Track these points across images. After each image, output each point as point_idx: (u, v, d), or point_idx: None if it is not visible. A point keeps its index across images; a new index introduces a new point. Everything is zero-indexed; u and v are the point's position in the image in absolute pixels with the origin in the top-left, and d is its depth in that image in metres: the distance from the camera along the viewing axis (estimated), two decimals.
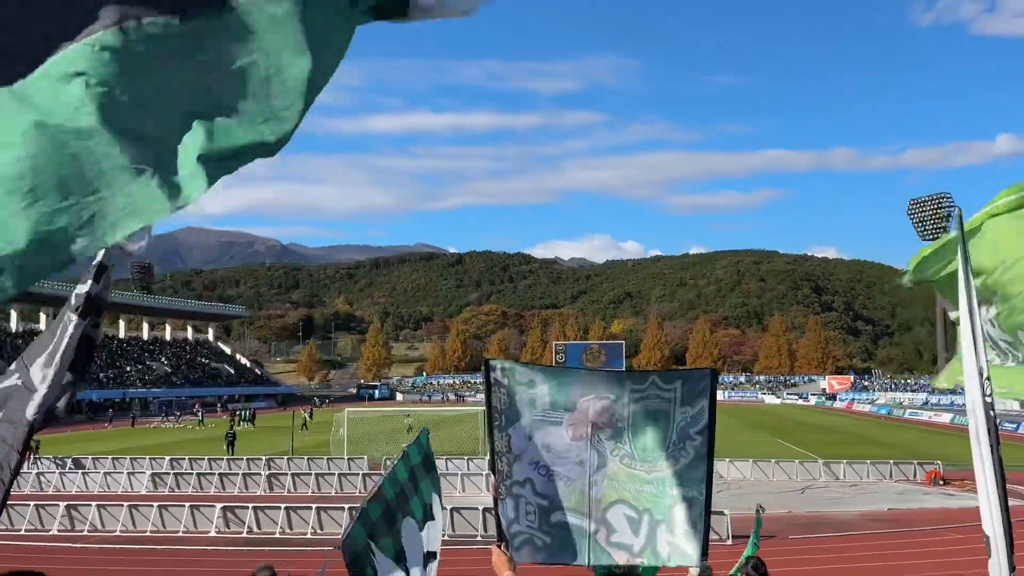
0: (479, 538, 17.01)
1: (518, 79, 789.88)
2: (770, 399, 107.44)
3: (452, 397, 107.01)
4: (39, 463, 30.04)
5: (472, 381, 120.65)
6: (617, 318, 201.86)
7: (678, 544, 4.28)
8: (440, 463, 28.24)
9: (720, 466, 26.31)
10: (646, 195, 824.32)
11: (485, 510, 17.69)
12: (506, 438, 4.25)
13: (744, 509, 17.60)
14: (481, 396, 4.36)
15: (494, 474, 4.24)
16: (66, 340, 2.60)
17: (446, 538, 17.55)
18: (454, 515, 18.15)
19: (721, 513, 17.51)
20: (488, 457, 4.41)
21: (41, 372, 2.58)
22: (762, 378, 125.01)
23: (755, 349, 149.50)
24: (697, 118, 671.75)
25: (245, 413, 64.00)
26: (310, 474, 26.44)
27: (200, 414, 66.97)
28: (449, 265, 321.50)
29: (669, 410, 4.31)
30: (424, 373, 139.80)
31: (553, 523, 4.29)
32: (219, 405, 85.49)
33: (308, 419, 46.48)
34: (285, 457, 31.35)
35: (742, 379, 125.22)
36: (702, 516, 4.31)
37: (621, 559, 4.28)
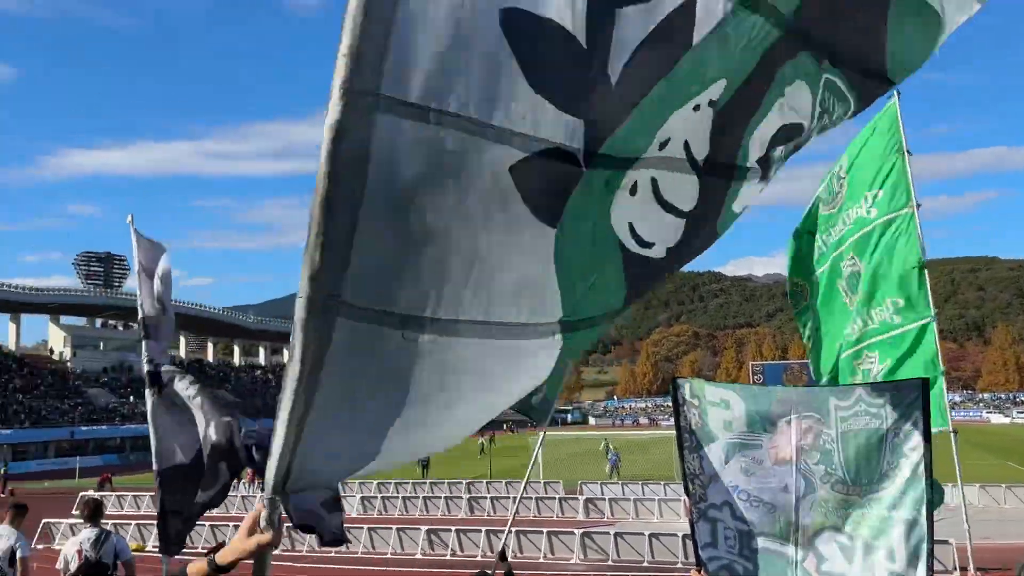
0: (679, 564, 16.64)
1: None
2: (997, 418, 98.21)
3: (644, 421, 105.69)
4: (251, 488, 32.44)
5: (664, 404, 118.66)
6: None
7: (899, 573, 3.98)
8: (636, 488, 27.99)
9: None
10: None
11: (684, 536, 17.29)
12: (698, 459, 4.14)
13: (978, 538, 16.14)
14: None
15: (688, 496, 4.15)
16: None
17: (645, 564, 17.37)
18: (652, 541, 17.86)
19: (946, 542, 16.13)
20: (682, 480, 4.32)
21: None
22: (986, 395, 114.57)
23: (976, 364, 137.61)
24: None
25: None
26: (508, 497, 26.92)
27: None
28: None
29: (880, 427, 3.98)
30: (615, 397, 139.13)
31: (755, 549, 4.12)
32: None
33: (488, 444, 47.89)
34: (484, 480, 32.12)
35: (961, 397, 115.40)
36: (924, 540, 3.94)
37: None
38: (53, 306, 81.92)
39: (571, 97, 1.96)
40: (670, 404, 4.49)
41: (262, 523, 2.08)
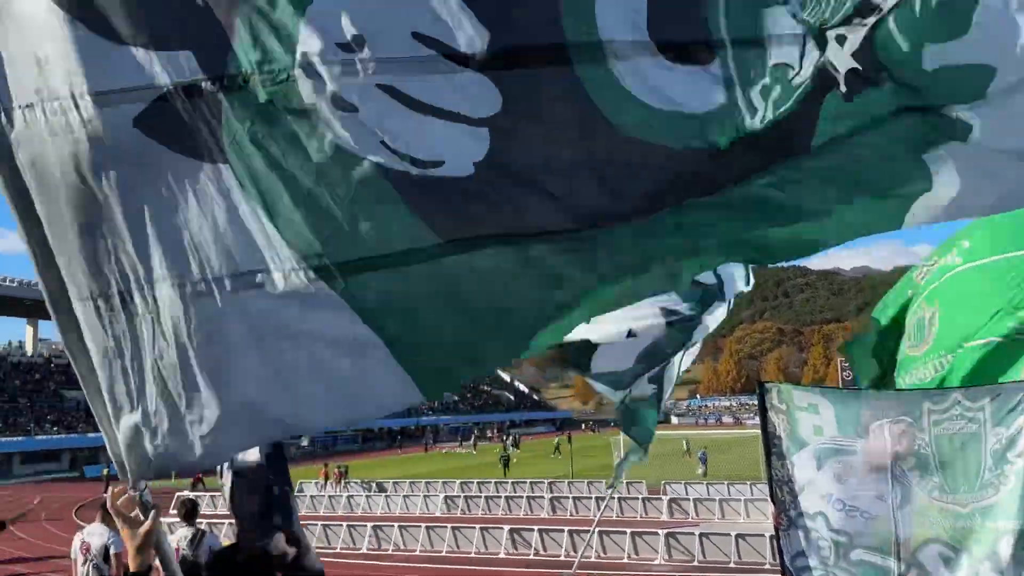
0: (767, 566, 16.29)
1: None
2: None
3: (729, 420, 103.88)
4: (349, 487, 33.12)
5: (749, 403, 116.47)
6: None
7: None
8: (721, 488, 27.52)
9: None
10: None
11: (772, 537, 16.93)
12: (788, 466, 4.02)
13: None
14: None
15: (774, 503, 4.04)
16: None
17: (731, 565, 17.06)
18: (739, 542, 17.54)
19: None
20: (768, 486, 4.20)
21: None
22: None
23: None
24: None
25: (513, 438, 67.08)
26: (590, 497, 26.82)
27: (473, 440, 71.01)
28: None
29: (978, 431, 3.77)
30: (698, 395, 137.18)
31: (853, 561, 3.93)
32: (492, 432, 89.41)
33: (567, 442, 48.20)
34: (566, 480, 32.07)
35: None
36: None
37: None
38: None
39: (163, 33, 1.90)
40: (754, 402, 4.38)
41: (139, 510, 2.11)
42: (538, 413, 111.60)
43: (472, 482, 32.52)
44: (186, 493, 24.25)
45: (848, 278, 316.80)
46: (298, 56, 1.86)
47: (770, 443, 4.05)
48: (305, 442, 63.84)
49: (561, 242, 1.98)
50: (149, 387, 1.99)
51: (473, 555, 19.81)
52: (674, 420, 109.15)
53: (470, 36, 1.85)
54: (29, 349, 79.28)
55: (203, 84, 1.87)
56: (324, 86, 1.87)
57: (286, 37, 1.86)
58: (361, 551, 20.62)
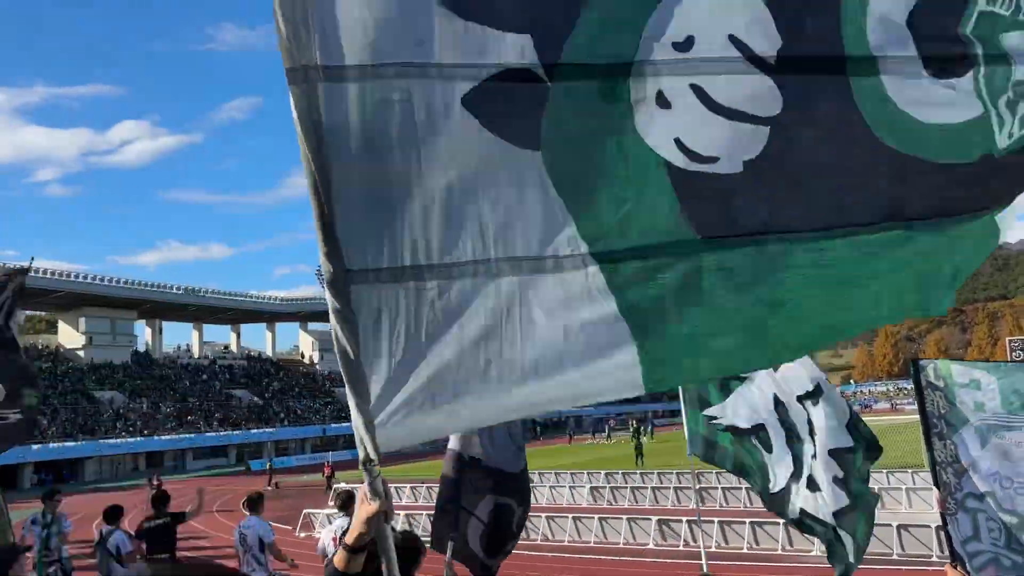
0: (934, 558, 15.41)
1: None
2: None
3: (884, 405, 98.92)
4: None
5: (906, 388, 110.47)
6: None
7: None
8: (879, 477, 26.23)
9: None
10: None
11: (937, 528, 15.99)
12: (951, 447, 3.79)
13: None
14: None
15: (938, 488, 3.81)
16: None
17: (895, 557, 16.22)
18: (901, 532, 16.68)
19: None
20: (930, 470, 3.97)
21: None
22: None
23: None
24: None
25: (646, 427, 66.36)
26: (740, 488, 26.16)
27: (606, 431, 70.71)
28: None
29: None
30: (852, 381, 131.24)
31: None
32: (629, 422, 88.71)
33: None
34: (714, 471, 31.43)
35: None
36: None
37: None
38: (302, 314, 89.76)
39: (508, 14, 1.89)
40: (911, 387, 4.15)
41: (368, 493, 2.16)
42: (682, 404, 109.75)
43: (617, 473, 32.38)
44: (343, 486, 25.34)
45: (1015, 252, 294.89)
46: (640, 50, 1.93)
47: (930, 424, 3.83)
48: None
49: (806, 243, 2.02)
50: (423, 363, 2.01)
51: (621, 545, 19.73)
52: None
53: (769, 40, 1.94)
54: (196, 351, 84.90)
55: (537, 70, 1.91)
56: (656, 82, 1.95)
57: (633, 30, 1.93)
58: None
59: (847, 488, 5.83)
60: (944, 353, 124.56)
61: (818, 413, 6.30)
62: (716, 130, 1.97)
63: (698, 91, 1.95)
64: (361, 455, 2.08)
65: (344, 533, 9.24)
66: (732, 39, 1.94)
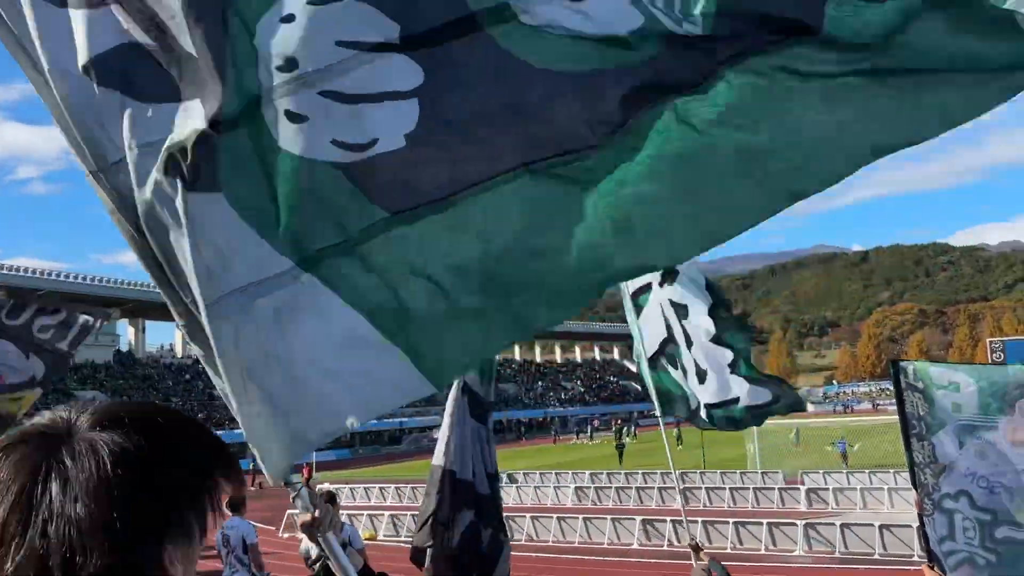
0: (915, 557, 15.55)
1: None
2: None
3: (866, 406, 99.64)
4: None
5: (890, 389, 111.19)
6: None
7: None
8: (862, 477, 26.45)
9: None
10: None
11: (918, 528, 16.14)
12: (928, 447, 3.83)
13: None
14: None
15: (916, 488, 3.86)
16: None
17: (876, 556, 16.37)
18: (883, 532, 16.82)
19: None
20: (909, 470, 4.01)
21: None
22: None
23: None
24: None
25: (629, 428, 66.77)
26: (724, 488, 26.31)
27: (589, 431, 70.78)
28: (852, 265, 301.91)
29: None
30: (835, 382, 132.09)
31: (999, 539, 3.77)
32: (612, 422, 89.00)
33: (687, 433, 47.76)
34: (698, 471, 31.57)
35: None
36: None
37: None
38: None
39: (178, 91, 2.13)
40: (892, 388, 4.19)
41: (298, 509, 2.30)
42: None
43: (602, 473, 32.47)
44: (325, 486, 25.31)
45: (995, 253, 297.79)
46: (260, 84, 2.11)
47: (909, 425, 3.87)
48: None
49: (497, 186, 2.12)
50: (258, 393, 2.22)
51: (606, 546, 19.80)
52: (810, 408, 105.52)
53: (382, 31, 2.05)
54: (179, 351, 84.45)
55: (208, 131, 2.09)
56: (282, 103, 2.11)
57: (250, 71, 2.12)
58: None
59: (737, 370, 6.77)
60: (925, 354, 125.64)
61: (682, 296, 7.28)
62: (365, 118, 2.08)
63: (330, 94, 2.08)
64: (278, 473, 2.24)
65: None
66: (340, 43, 2.06)
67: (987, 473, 3.76)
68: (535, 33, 2.02)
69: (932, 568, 3.71)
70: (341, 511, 11.58)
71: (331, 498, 9.48)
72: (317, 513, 2.25)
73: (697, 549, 7.82)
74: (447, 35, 2.04)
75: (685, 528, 9.39)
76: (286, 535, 22.93)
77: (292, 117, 2.10)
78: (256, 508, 27.77)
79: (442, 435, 5.64)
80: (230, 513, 9.89)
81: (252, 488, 37.81)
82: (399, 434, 72.95)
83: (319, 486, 29.89)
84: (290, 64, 2.08)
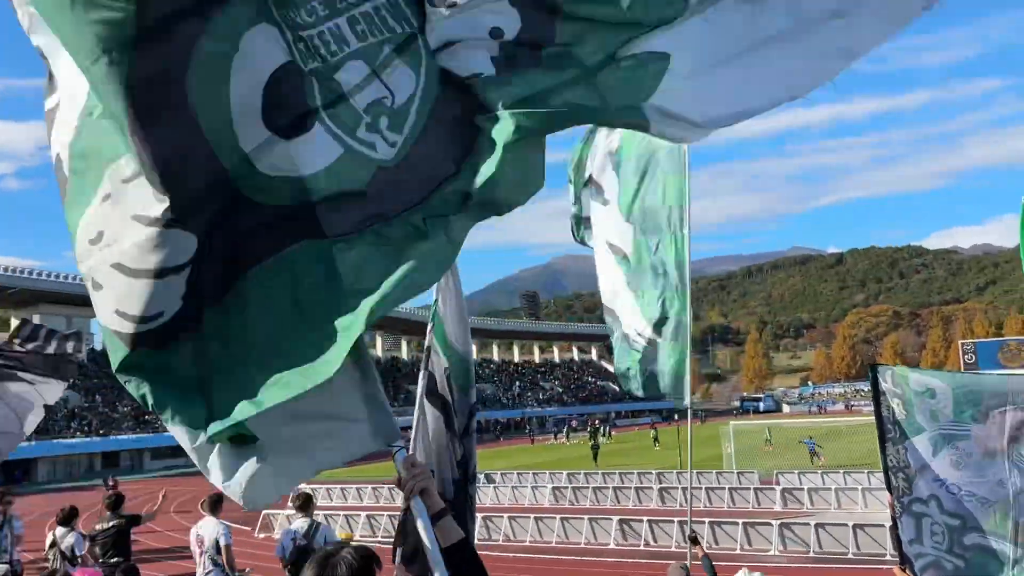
0: (887, 556, 15.71)
1: (902, 58, 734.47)
2: None
3: (841, 407, 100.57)
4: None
5: (864, 390, 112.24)
6: None
7: None
8: (837, 477, 26.69)
9: None
10: None
11: (891, 528, 16.29)
12: (902, 452, 3.87)
13: None
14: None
15: (889, 491, 3.90)
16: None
17: (850, 556, 16.51)
18: (857, 532, 16.98)
19: None
20: (883, 474, 4.05)
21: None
22: None
23: None
24: None
25: (605, 429, 67.70)
26: (700, 488, 26.44)
27: (565, 431, 70.98)
28: (828, 267, 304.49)
29: None
30: (810, 383, 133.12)
31: (967, 545, 3.81)
32: (589, 423, 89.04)
33: (663, 433, 48.12)
34: (675, 471, 31.72)
35: None
36: None
37: None
38: None
39: None
40: (868, 389, 4.22)
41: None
42: (645, 404, 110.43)
43: (579, 473, 32.53)
44: (301, 487, 25.20)
45: (967, 256, 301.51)
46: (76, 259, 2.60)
47: (884, 429, 3.91)
48: None
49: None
50: None
51: (583, 545, 19.84)
52: (785, 408, 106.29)
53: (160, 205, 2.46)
54: None
55: None
56: (90, 271, 2.54)
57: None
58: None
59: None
60: (900, 356, 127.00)
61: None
62: (150, 253, 2.39)
63: (119, 267, 2.43)
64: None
65: (307, 532, 9.11)
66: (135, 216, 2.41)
67: (959, 481, 3.79)
68: (256, 174, 2.45)
69: (904, 570, 3.75)
70: (317, 512, 11.51)
71: (307, 499, 9.42)
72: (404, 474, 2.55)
73: (695, 541, 7.95)
74: (210, 201, 2.41)
75: (689, 526, 9.42)
76: (262, 535, 22.78)
77: (95, 285, 2.48)
78: (233, 508, 27.55)
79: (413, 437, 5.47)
80: (206, 513, 9.81)
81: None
82: None
83: (295, 487, 29.77)
84: (99, 236, 2.46)
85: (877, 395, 3.96)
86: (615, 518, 20.52)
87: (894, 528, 3.90)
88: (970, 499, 3.79)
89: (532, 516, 21.54)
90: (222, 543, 9.42)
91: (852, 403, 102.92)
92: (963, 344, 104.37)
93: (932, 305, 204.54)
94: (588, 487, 28.37)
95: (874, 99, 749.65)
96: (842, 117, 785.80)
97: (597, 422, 59.95)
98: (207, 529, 9.55)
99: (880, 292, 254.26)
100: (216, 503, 9.73)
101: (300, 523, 9.19)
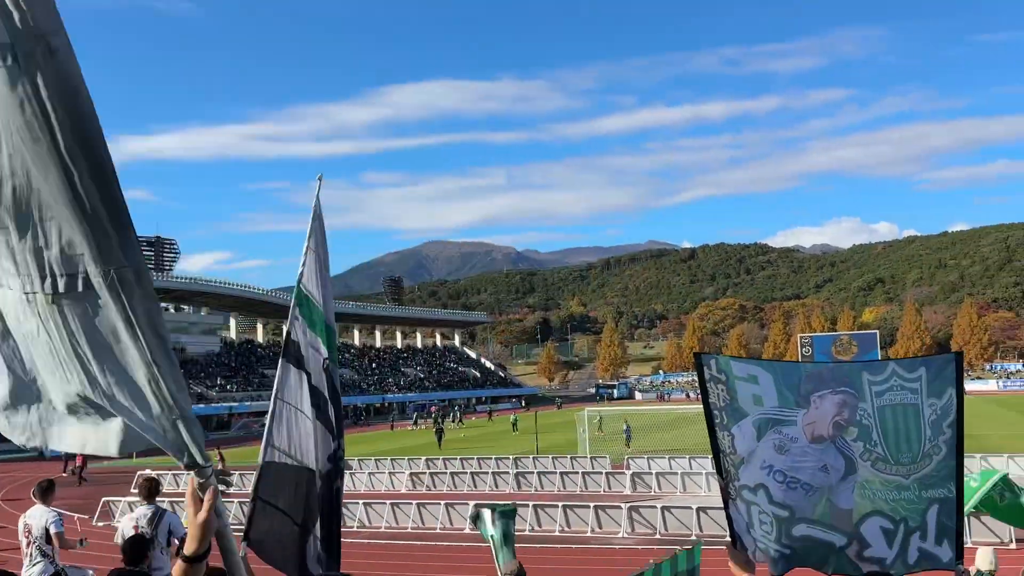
0: (727, 538, 16.60)
1: (755, 62, 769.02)
2: None
3: (692, 395, 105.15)
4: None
5: None
6: (868, 306, 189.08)
7: (928, 550, 3.88)
8: (684, 462, 27.93)
9: (998, 463, 23.89)
10: (900, 172, 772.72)
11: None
12: (729, 437, 3.98)
13: None
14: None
15: (720, 476, 4.07)
16: None
17: (693, 538, 17.34)
18: (700, 514, 17.86)
19: None
20: (713, 458, 4.19)
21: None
22: None
23: None
24: (960, 83, 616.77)
25: (453, 413, 69.88)
26: (555, 472, 27.08)
27: (415, 417, 71.12)
28: (681, 261, 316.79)
29: (918, 403, 3.80)
30: (661, 371, 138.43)
31: (795, 536, 3.97)
32: (457, 409, 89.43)
33: (523, 418, 49.63)
34: (531, 456, 32.32)
35: (1019, 366, 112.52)
36: (953, 516, 3.86)
37: (867, 569, 3.92)
38: None
39: None
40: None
41: (198, 497, 2.27)
42: (504, 390, 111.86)
43: (438, 459, 32.63)
44: (147, 472, 24.07)
45: (808, 255, 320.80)
46: None
47: (712, 415, 4.04)
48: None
49: None
50: None
51: (439, 531, 19.95)
52: (638, 396, 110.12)
53: None
54: None
55: None
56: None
57: None
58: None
59: None
60: (744, 347, 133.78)
61: None
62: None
63: None
64: (187, 460, 2.21)
65: (150, 520, 8.69)
66: None
67: (784, 468, 3.92)
68: None
69: (735, 547, 3.96)
70: (164, 498, 11.06)
71: (154, 485, 9.05)
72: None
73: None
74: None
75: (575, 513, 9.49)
76: (101, 524, 21.66)
77: None
78: (71, 496, 26.14)
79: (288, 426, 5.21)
80: (37, 501, 9.23)
81: (64, 474, 35.43)
82: (228, 419, 70.40)
83: (139, 473, 28.39)
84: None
85: (703, 383, 4.02)
86: (471, 503, 20.72)
87: (726, 510, 4.08)
88: (795, 486, 3.91)
89: (388, 502, 21.47)
90: (52, 531, 8.87)
91: (693, 392, 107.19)
92: (801, 337, 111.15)
93: (775, 300, 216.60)
94: (446, 472, 28.52)
95: (729, 101, 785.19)
96: (699, 117, 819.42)
97: (435, 408, 60.97)
98: (35, 517, 8.98)
99: (728, 287, 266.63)
100: (47, 489, 9.18)
101: (144, 510, 8.80)
